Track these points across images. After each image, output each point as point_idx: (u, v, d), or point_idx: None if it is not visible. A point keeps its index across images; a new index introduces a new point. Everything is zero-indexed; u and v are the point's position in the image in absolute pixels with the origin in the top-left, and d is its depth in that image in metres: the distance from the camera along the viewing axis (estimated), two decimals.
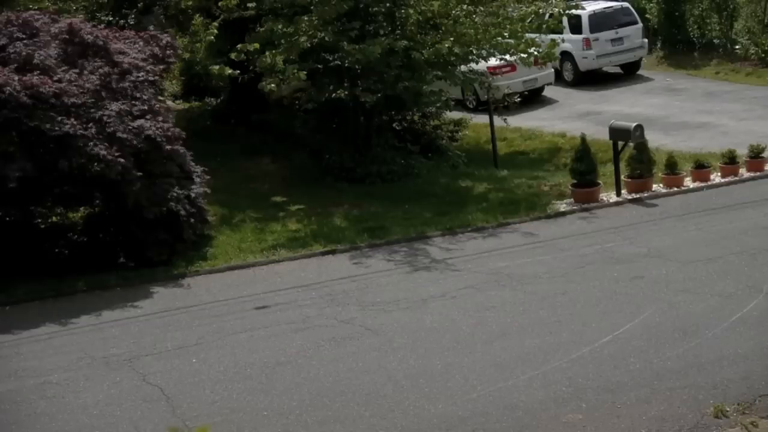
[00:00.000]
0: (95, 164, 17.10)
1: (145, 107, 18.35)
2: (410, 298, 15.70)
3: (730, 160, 20.95)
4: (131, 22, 25.39)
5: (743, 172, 20.95)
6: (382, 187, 22.38)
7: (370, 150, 23.27)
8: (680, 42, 34.77)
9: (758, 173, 20.82)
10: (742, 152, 21.16)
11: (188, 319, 15.86)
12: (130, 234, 18.31)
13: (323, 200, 21.66)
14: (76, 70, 18.03)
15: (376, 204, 21.11)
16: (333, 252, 18.49)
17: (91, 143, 17.04)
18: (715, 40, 34.37)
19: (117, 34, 19.94)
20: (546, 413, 11.79)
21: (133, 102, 18.24)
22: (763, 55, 31.82)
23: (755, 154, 21.00)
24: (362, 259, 18.07)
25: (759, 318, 13.80)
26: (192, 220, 18.53)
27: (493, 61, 25.28)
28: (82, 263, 18.12)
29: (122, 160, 17.15)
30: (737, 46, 33.46)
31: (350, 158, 23.08)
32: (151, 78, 18.97)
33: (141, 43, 19.84)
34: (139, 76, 18.66)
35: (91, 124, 17.32)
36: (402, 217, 20.04)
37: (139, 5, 26.05)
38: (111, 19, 25.82)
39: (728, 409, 11.52)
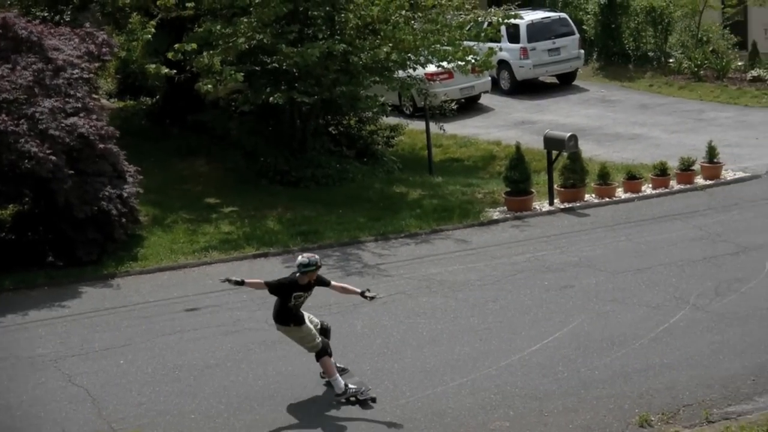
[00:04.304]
0: (26, 161, 16.89)
1: (79, 105, 18.16)
2: (341, 303, 15.66)
3: (661, 172, 21.24)
4: (67, 19, 25.03)
5: (674, 184, 21.27)
6: (316, 190, 22.33)
7: (305, 153, 23.22)
8: (616, 54, 35.14)
9: (688, 186, 21.15)
10: (673, 164, 21.47)
11: (117, 320, 15.71)
12: (59, 233, 18.09)
13: (257, 203, 21.57)
14: (9, 66, 17.81)
15: (309, 208, 21.06)
16: (265, 255, 18.44)
17: (22, 140, 16.82)
18: (649, 53, 34.78)
19: (52, 30, 19.70)
20: (474, 420, 11.87)
21: (67, 99, 18.05)
22: (695, 69, 32.29)
23: (685, 167, 21.32)
24: (294, 262, 17.97)
25: (685, 329, 14.01)
26: (123, 219, 18.34)
27: (430, 68, 25.36)
28: (10, 262, 17.85)
29: (53, 157, 16.96)
30: (671, 60, 33.92)
31: (285, 161, 23.01)
32: (85, 75, 18.79)
33: (76, 40, 19.62)
34: (73, 73, 18.47)
35: (22, 121, 17.10)
36: (335, 222, 20.03)
37: (75, 2, 25.72)
38: (46, 14, 25.45)
39: (653, 418, 11.70)
